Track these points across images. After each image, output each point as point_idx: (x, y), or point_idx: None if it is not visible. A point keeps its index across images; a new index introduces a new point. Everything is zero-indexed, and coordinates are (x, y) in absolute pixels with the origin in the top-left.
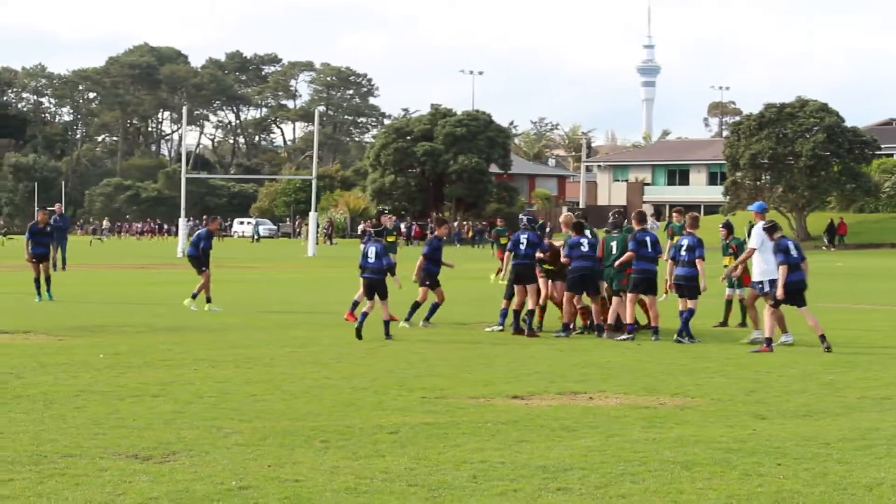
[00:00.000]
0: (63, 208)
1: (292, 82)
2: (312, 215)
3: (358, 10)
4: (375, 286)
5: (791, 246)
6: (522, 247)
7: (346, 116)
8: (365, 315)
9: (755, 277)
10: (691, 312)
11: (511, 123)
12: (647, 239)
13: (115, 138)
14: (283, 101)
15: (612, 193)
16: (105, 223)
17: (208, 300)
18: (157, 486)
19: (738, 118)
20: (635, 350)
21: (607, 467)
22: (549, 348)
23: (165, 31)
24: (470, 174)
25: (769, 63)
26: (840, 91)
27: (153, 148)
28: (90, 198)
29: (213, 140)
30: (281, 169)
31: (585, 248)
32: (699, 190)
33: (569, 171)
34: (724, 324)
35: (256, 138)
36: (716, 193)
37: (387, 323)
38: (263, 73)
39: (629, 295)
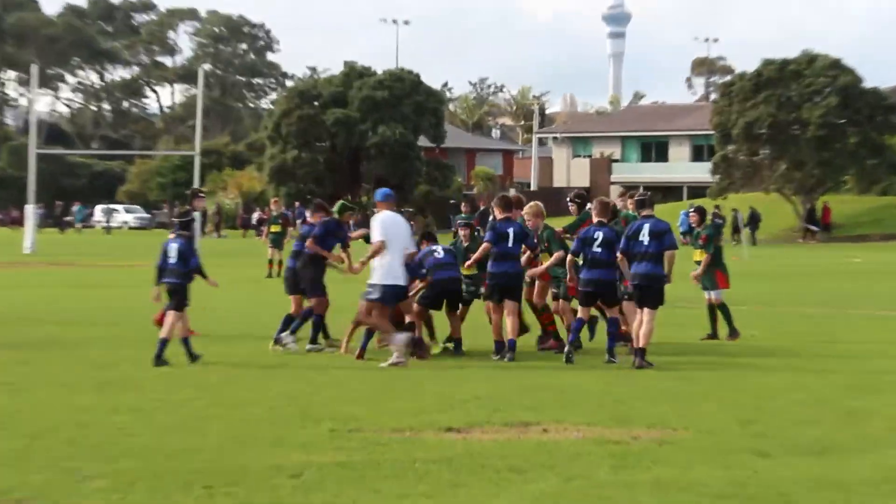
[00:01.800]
0: None
1: (170, 34)
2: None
3: None
4: (176, 293)
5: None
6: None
7: (237, 77)
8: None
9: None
10: (616, 324)
11: (445, 85)
12: (511, 231)
13: None
14: (160, 58)
15: (571, 172)
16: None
17: None
18: None
19: (729, 78)
20: (602, 370)
21: None
22: (492, 367)
23: None
24: (393, 148)
25: (767, 8)
26: (857, 44)
27: None
28: None
29: (70, 107)
30: (156, 142)
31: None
32: (680, 167)
33: (517, 144)
34: (714, 335)
35: (125, 104)
36: (702, 172)
37: (185, 341)
38: (134, 22)
39: (489, 304)
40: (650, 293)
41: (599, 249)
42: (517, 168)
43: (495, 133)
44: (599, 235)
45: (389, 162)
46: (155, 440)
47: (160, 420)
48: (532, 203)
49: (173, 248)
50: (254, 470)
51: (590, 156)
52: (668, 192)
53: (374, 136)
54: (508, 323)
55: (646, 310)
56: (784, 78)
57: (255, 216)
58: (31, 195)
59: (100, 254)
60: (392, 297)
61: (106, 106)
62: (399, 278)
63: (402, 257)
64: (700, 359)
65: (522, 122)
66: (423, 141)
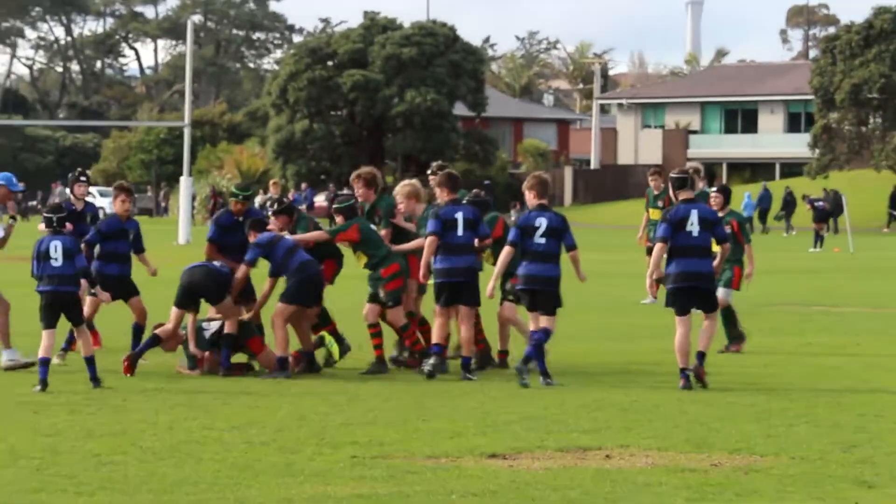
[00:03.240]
0: None
1: None
2: (185, 181)
3: None
4: (64, 304)
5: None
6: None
7: (234, 31)
8: (46, 362)
9: None
10: (546, 335)
11: (486, 41)
12: (459, 216)
13: None
14: (139, 9)
15: (639, 146)
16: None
17: None
18: None
19: (832, 30)
20: (673, 384)
21: None
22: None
23: None
24: (424, 118)
25: None
26: None
27: None
28: None
29: (31, 67)
30: (136, 111)
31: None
32: (773, 140)
33: (574, 113)
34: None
35: (98, 65)
36: (799, 145)
37: (89, 361)
38: None
39: (437, 307)
40: (704, 295)
41: (543, 240)
42: (574, 141)
43: (547, 99)
44: (542, 223)
45: (419, 134)
46: (139, 469)
47: (146, 445)
48: (406, 182)
49: (57, 247)
50: None
51: (662, 126)
52: (758, 169)
53: (400, 104)
54: (463, 332)
55: (707, 316)
56: None
57: (258, 200)
58: None
59: None
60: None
61: (74, 67)
62: None
63: None
64: (793, 370)
65: (581, 86)
66: (460, 109)
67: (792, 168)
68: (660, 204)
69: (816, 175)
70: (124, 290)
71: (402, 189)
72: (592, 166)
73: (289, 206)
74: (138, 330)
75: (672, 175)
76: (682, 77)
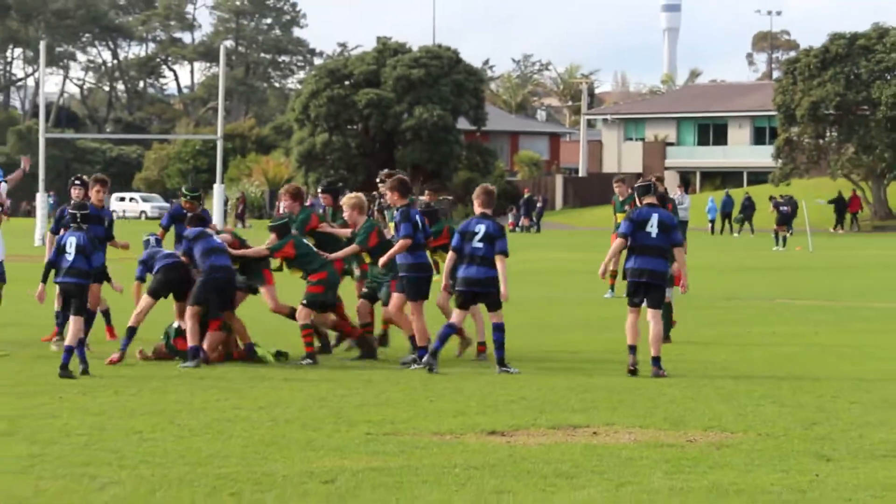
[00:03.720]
0: None
1: (189, 8)
2: (218, 188)
3: None
4: (75, 295)
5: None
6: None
7: (262, 55)
8: (70, 348)
9: None
10: (500, 329)
11: (486, 63)
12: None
13: None
14: (177, 34)
15: (622, 156)
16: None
17: None
18: None
19: (793, 54)
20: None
21: None
22: (538, 366)
23: None
24: (430, 132)
25: None
26: None
27: (0, 98)
28: None
29: (81, 87)
30: (174, 126)
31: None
32: (741, 151)
33: (564, 127)
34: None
35: (141, 84)
36: (763, 156)
37: (74, 350)
38: None
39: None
40: (655, 290)
41: (481, 244)
42: (564, 152)
43: (540, 115)
44: (481, 229)
45: (426, 146)
46: (176, 444)
47: (182, 423)
48: (351, 195)
49: (72, 242)
50: (284, 475)
51: (642, 139)
52: (728, 177)
53: (409, 119)
54: (414, 324)
55: (651, 311)
56: (853, 54)
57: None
58: (41, 183)
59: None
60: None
61: (120, 86)
62: None
63: None
64: (758, 356)
65: (570, 103)
66: (462, 123)
67: (758, 176)
68: (626, 208)
69: (780, 182)
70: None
71: (347, 200)
72: (580, 174)
73: (335, 186)
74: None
75: (637, 184)
76: (660, 95)
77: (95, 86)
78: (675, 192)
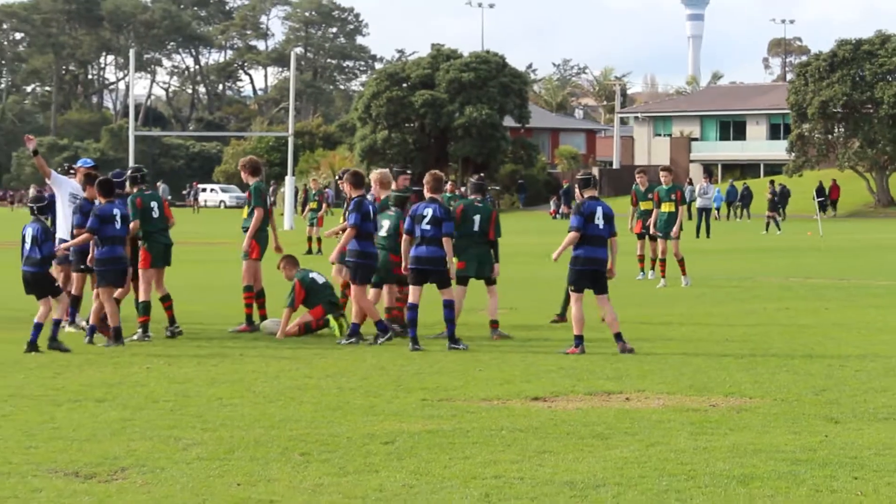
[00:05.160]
0: None
1: (263, 19)
2: (289, 180)
3: None
4: (33, 283)
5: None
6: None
7: (328, 60)
8: (58, 322)
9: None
10: (451, 305)
11: (529, 67)
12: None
13: (47, 88)
14: (252, 42)
15: (652, 150)
16: (32, 191)
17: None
18: None
19: (804, 58)
20: (681, 340)
21: (648, 483)
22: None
23: None
24: (479, 129)
25: None
26: None
27: (94, 100)
28: (18, 161)
29: (167, 90)
30: (250, 124)
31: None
32: (758, 145)
33: (599, 124)
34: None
35: (220, 87)
36: (778, 150)
37: (37, 326)
38: (228, 7)
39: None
40: (601, 278)
41: (429, 227)
42: (600, 147)
43: (578, 113)
44: (429, 212)
45: (476, 142)
46: (253, 409)
47: (258, 390)
48: (379, 171)
49: (28, 233)
50: (348, 437)
51: (670, 135)
52: (746, 169)
53: (460, 117)
54: (364, 305)
55: (602, 296)
56: (858, 58)
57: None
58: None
59: (193, 231)
60: None
61: (201, 89)
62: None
63: None
64: (774, 330)
65: (604, 103)
66: (508, 121)
67: (773, 168)
68: (650, 196)
69: (793, 174)
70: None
71: (372, 175)
72: (614, 166)
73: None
74: (76, 300)
75: (578, 177)
76: (685, 95)
77: (179, 88)
78: (701, 182)
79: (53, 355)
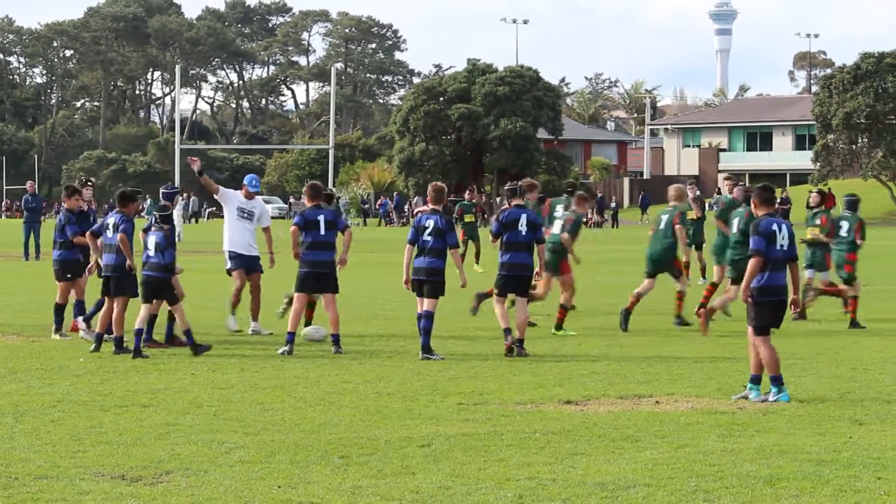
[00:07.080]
0: (36, 186)
1: (305, 35)
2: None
3: None
4: (156, 287)
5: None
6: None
7: (368, 75)
8: (140, 331)
9: None
10: (430, 316)
11: (562, 81)
12: (321, 218)
13: (96, 103)
14: (294, 58)
15: (681, 161)
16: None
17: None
18: None
19: (829, 71)
20: (710, 345)
21: (677, 483)
22: (609, 344)
23: None
24: (514, 141)
25: (866, 4)
26: None
27: (141, 114)
28: (68, 173)
29: (211, 104)
30: (292, 137)
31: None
32: (784, 156)
33: (630, 135)
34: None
35: (263, 102)
36: (804, 160)
37: (187, 334)
38: (270, 24)
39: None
40: (524, 282)
41: (430, 238)
42: (631, 158)
43: (610, 125)
44: (430, 223)
45: (511, 153)
46: (293, 414)
47: (298, 395)
48: (675, 185)
49: (152, 240)
50: (385, 441)
51: (698, 146)
52: (772, 178)
53: (496, 130)
54: (329, 314)
55: (520, 298)
56: (881, 70)
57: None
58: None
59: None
60: None
61: (245, 103)
62: None
63: None
64: (798, 334)
65: (635, 115)
66: (542, 133)
67: (799, 177)
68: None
69: (818, 183)
70: (82, 271)
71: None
72: (645, 177)
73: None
74: (60, 308)
75: (505, 188)
76: (714, 107)
77: (224, 103)
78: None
79: (101, 362)
